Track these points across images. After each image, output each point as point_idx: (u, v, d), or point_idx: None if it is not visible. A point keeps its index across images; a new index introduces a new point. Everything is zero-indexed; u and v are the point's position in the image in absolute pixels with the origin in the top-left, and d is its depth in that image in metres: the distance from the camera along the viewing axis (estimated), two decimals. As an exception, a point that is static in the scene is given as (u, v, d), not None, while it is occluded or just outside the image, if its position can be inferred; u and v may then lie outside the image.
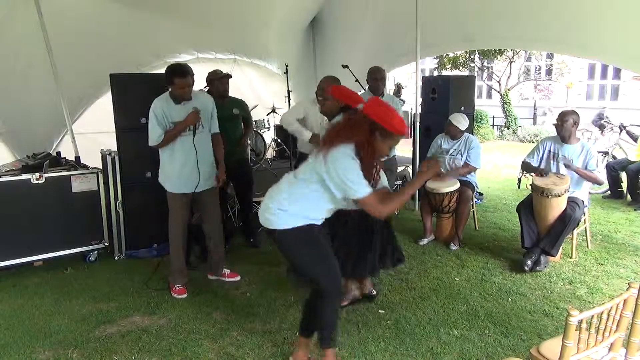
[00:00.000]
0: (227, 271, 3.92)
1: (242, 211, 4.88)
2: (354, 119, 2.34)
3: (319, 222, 2.47)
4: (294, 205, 2.38)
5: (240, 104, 4.57)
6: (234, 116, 4.41)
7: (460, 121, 4.83)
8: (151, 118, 3.44)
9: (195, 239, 4.11)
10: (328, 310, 2.52)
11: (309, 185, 2.36)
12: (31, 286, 3.82)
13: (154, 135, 3.45)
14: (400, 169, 6.35)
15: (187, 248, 3.84)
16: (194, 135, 3.51)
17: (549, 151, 4.33)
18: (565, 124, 4.16)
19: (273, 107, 7.42)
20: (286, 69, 6.72)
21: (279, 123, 5.88)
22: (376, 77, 4.58)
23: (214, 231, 3.82)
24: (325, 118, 4.18)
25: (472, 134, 5.43)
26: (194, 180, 3.55)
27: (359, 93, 5.86)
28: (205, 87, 4.35)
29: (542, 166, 4.33)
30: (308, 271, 2.49)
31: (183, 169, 3.54)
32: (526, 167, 4.53)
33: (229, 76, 4.38)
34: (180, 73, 3.37)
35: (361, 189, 2.24)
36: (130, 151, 4.35)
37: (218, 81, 4.30)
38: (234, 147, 4.35)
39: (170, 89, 3.46)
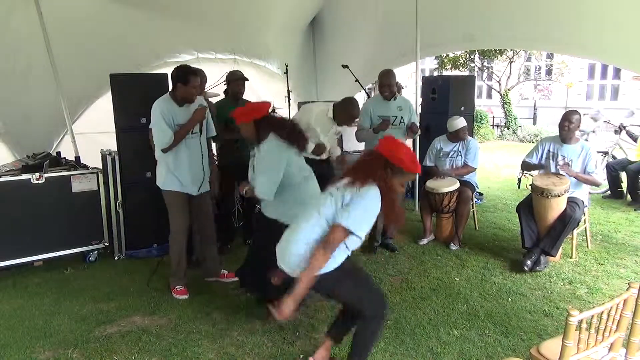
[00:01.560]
0: (225, 272, 3.91)
1: (245, 212, 4.89)
2: (369, 157, 2.36)
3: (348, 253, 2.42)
4: None
5: None
6: None
7: (461, 122, 4.84)
8: (158, 121, 3.37)
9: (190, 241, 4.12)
10: (369, 333, 2.47)
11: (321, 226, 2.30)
12: (31, 286, 3.82)
13: (165, 137, 3.37)
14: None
15: (189, 247, 3.83)
16: (200, 135, 3.56)
17: (549, 151, 4.33)
18: (572, 126, 4.15)
19: (273, 107, 7.41)
20: (286, 69, 6.71)
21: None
22: (381, 82, 4.42)
23: (208, 233, 3.81)
24: (335, 126, 4.18)
25: (472, 135, 5.43)
26: (199, 181, 3.61)
27: (358, 94, 5.88)
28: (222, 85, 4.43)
29: (541, 167, 4.34)
30: (353, 301, 2.46)
31: (191, 170, 3.55)
32: (526, 166, 4.54)
33: (245, 79, 4.49)
34: (194, 72, 3.42)
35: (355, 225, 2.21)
36: (130, 151, 4.35)
37: (234, 83, 4.43)
38: (247, 148, 4.40)
39: (174, 90, 3.44)
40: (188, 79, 3.37)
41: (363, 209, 2.21)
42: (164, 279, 3.81)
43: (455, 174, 4.76)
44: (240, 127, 3.06)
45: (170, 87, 3.52)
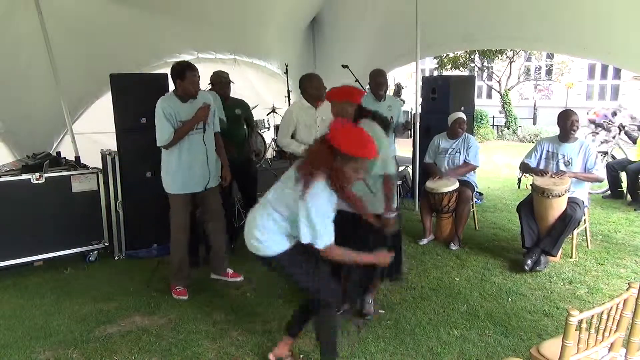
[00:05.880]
0: (230, 271, 3.92)
1: (246, 212, 4.89)
2: (318, 145, 2.27)
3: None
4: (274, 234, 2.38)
5: (242, 105, 4.60)
6: (236, 117, 4.44)
7: (458, 114, 4.90)
8: (160, 117, 3.37)
9: (199, 238, 4.11)
10: (324, 325, 2.53)
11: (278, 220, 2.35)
12: (31, 286, 3.82)
13: (165, 134, 3.38)
14: (400, 168, 6.34)
15: (192, 247, 3.83)
16: (204, 132, 3.51)
17: (548, 151, 4.32)
18: (577, 124, 4.15)
19: (273, 107, 7.42)
20: (286, 69, 6.72)
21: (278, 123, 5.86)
22: (378, 81, 4.55)
23: (217, 229, 3.82)
24: (321, 118, 4.13)
25: (472, 134, 5.43)
26: (205, 178, 3.58)
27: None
28: (208, 86, 4.38)
29: (541, 167, 4.33)
30: (307, 287, 2.49)
31: (193, 168, 3.52)
32: (525, 168, 4.53)
33: (229, 82, 4.41)
34: (191, 67, 3.40)
35: (323, 239, 2.22)
36: (130, 151, 4.36)
37: (219, 85, 4.34)
38: (240, 147, 4.40)
39: (176, 88, 3.44)
40: (184, 75, 3.36)
41: (314, 214, 2.18)
42: (164, 279, 3.81)
43: (457, 173, 4.76)
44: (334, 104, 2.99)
45: (172, 85, 3.52)
